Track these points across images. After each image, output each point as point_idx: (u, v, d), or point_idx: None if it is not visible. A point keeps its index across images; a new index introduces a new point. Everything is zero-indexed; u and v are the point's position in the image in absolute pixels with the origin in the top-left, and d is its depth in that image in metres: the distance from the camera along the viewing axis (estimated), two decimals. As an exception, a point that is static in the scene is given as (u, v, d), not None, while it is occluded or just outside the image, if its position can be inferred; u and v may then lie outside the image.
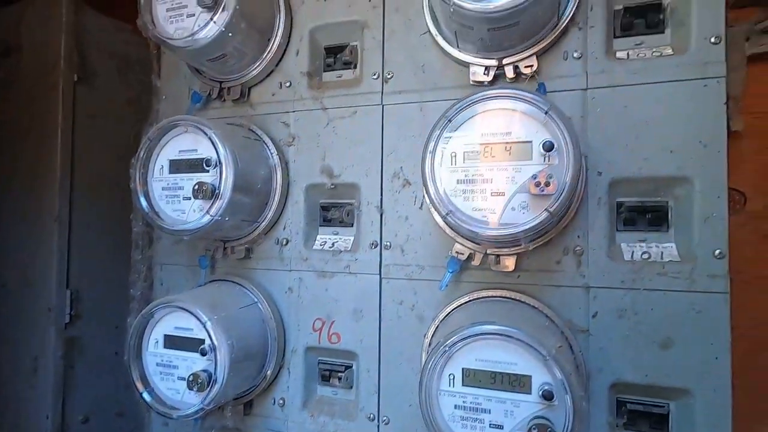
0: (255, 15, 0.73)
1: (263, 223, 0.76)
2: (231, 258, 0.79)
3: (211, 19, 0.67)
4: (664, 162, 0.59)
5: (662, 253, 0.60)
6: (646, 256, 0.59)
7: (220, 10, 0.68)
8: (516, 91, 0.53)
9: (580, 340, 0.61)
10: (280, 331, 0.76)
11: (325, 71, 0.79)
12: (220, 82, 0.81)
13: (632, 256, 0.60)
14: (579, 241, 0.61)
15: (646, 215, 0.61)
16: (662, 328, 0.58)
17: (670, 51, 0.60)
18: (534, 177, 0.52)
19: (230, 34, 0.69)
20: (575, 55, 0.63)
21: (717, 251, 0.57)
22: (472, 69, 0.65)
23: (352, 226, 0.76)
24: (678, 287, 0.58)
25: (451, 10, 0.56)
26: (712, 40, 0.58)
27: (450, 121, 0.55)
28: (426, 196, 0.58)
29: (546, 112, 0.52)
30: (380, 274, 0.71)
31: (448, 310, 0.65)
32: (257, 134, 0.78)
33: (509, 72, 0.63)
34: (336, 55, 0.78)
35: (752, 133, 0.74)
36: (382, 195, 0.72)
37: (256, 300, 0.76)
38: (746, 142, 0.74)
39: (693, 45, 0.59)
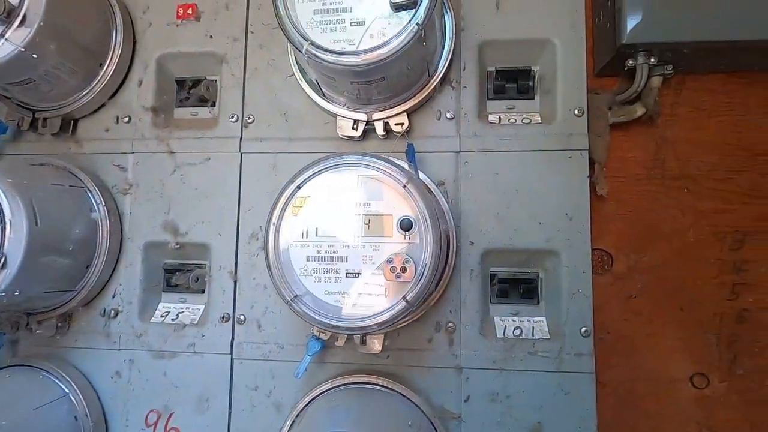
0: (77, 33, 0.56)
1: (83, 292, 0.58)
2: (38, 335, 0.59)
3: (2, 35, 0.49)
4: (533, 234, 0.55)
5: (533, 328, 0.55)
6: (518, 332, 0.55)
7: (16, 24, 0.49)
8: (374, 160, 0.45)
9: (453, 427, 0.54)
10: (101, 430, 0.58)
11: (177, 107, 0.65)
12: (33, 111, 0.62)
13: (504, 332, 0.55)
14: (451, 317, 0.55)
15: (519, 287, 0.57)
16: (533, 412, 0.53)
17: (539, 119, 0.57)
18: (389, 261, 0.43)
19: (34, 56, 0.52)
20: (448, 115, 0.57)
21: (583, 329, 0.54)
22: (340, 122, 0.55)
23: (203, 292, 0.61)
24: (547, 367, 0.54)
25: (306, 59, 0.47)
26: (576, 112, 0.56)
27: (299, 188, 0.45)
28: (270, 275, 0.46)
29: (404, 186, 0.43)
30: (232, 353, 0.58)
31: (307, 399, 0.54)
32: (79, 178, 0.60)
33: (379, 129, 0.55)
34: (190, 90, 0.64)
35: (616, 197, 0.77)
36: (237, 259, 0.59)
37: (66, 391, 0.56)
38: (611, 205, 0.76)
39: (559, 115, 0.56)
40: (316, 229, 0.46)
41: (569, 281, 0.55)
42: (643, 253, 0.77)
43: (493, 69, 0.60)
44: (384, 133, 0.57)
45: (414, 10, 0.45)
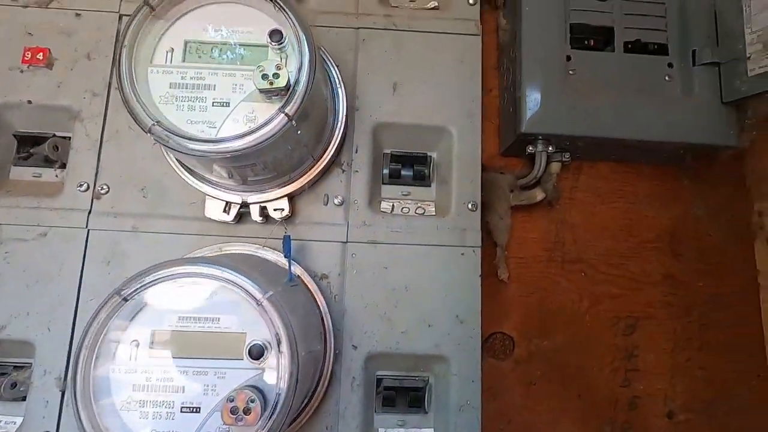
0: None
1: None
2: None
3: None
4: (422, 337, 0.48)
5: (419, 443, 0.54)
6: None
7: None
8: (219, 270, 0.34)
9: None
10: None
11: (15, 165, 0.52)
12: None
13: (388, 453, 0.50)
14: (328, 434, 0.46)
15: (406, 395, 0.49)
16: None
17: (433, 209, 0.51)
18: (230, 399, 0.33)
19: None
20: (336, 201, 0.49)
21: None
22: (209, 204, 0.46)
23: (23, 400, 0.46)
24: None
25: (152, 141, 0.37)
26: (470, 206, 0.50)
27: (126, 300, 0.34)
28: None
29: (259, 304, 0.34)
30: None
31: None
32: None
33: (255, 213, 0.46)
34: (33, 147, 0.51)
35: (517, 278, 0.75)
36: (69, 363, 0.46)
37: None
38: (514, 287, 0.75)
39: (453, 208, 0.51)
40: (149, 345, 0.37)
41: (458, 391, 0.47)
42: (543, 337, 0.75)
43: (388, 152, 0.56)
44: (261, 218, 0.50)
45: (285, 97, 0.38)
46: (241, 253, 0.45)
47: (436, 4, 0.56)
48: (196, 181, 0.46)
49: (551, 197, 0.69)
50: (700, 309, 0.73)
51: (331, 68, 0.48)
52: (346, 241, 0.48)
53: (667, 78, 0.65)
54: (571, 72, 0.64)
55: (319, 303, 0.45)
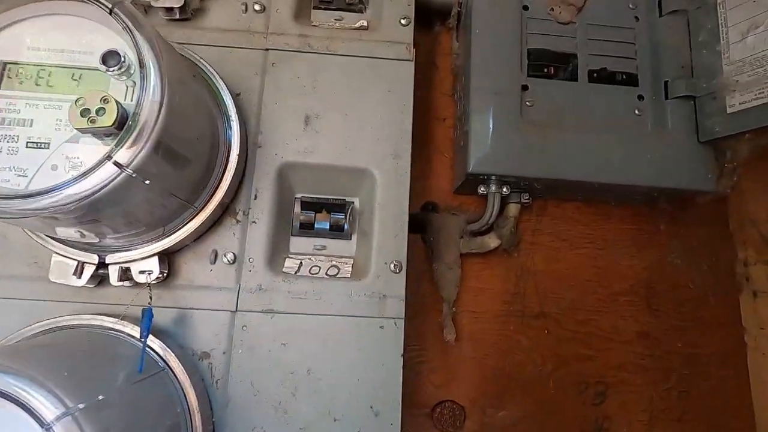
0: None
1: None
2: None
3: None
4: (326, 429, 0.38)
5: None
6: None
7: None
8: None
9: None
10: None
11: None
12: None
13: None
14: None
15: None
16: None
17: (349, 269, 0.42)
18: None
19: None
20: (227, 258, 0.39)
21: None
22: (55, 264, 0.36)
23: None
24: None
25: None
26: (392, 266, 0.41)
27: None
28: None
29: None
30: None
31: None
32: None
33: (114, 276, 0.36)
34: None
35: (470, 336, 0.66)
36: None
37: None
38: (465, 347, 0.65)
39: (373, 268, 0.41)
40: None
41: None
42: (500, 407, 0.65)
43: (300, 197, 0.47)
44: (127, 281, 0.41)
45: (115, 138, 0.27)
46: (78, 331, 0.35)
47: (365, 23, 0.47)
48: (39, 238, 0.36)
49: (508, 245, 0.59)
50: (679, 373, 0.63)
51: (224, 96, 0.39)
52: (236, 310, 0.39)
53: (636, 112, 0.57)
54: (527, 103, 0.56)
55: (189, 395, 0.35)
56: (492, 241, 0.59)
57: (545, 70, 0.57)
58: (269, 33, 0.44)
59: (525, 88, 0.56)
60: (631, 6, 0.59)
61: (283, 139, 0.42)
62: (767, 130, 0.46)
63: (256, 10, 0.45)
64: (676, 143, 0.53)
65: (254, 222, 0.41)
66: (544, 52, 0.57)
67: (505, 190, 0.56)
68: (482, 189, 0.57)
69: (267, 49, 0.44)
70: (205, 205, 0.38)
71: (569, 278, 0.64)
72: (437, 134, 0.67)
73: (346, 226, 0.42)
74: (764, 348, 0.63)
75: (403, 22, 0.46)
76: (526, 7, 0.58)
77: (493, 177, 0.55)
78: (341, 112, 0.43)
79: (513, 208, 0.60)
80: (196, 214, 0.38)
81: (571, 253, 0.65)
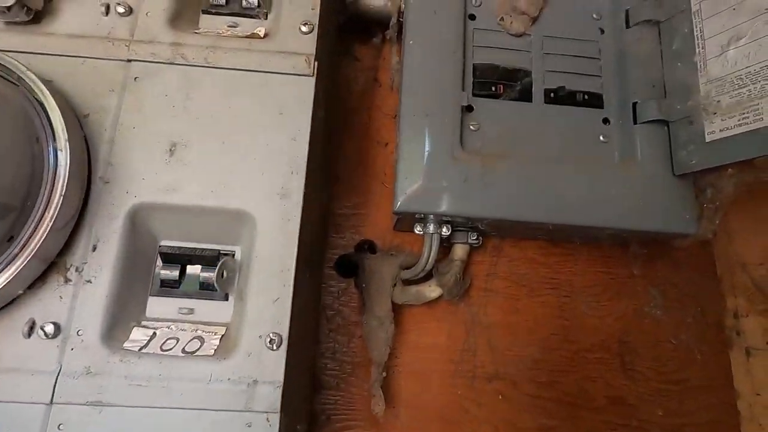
0: None
1: None
2: None
3: None
4: None
5: None
6: None
7: None
8: None
9: None
10: None
11: None
12: None
13: None
14: None
15: None
16: None
17: (216, 342, 0.32)
18: None
19: None
20: (46, 330, 0.29)
21: None
22: None
23: None
24: None
25: None
26: (267, 341, 0.30)
27: None
28: None
29: None
30: None
31: None
32: None
33: None
34: None
35: (408, 403, 0.55)
36: None
37: None
38: (404, 416, 0.54)
39: (242, 346, 0.31)
40: None
41: None
42: (441, 492, 0.54)
43: (164, 245, 0.38)
44: None
45: None
46: None
47: (263, 31, 0.39)
48: None
49: (451, 295, 0.50)
50: (660, 448, 0.53)
51: (51, 116, 0.30)
52: (51, 402, 0.29)
53: (601, 138, 0.48)
54: (472, 127, 0.47)
55: None
56: (431, 291, 0.49)
57: (493, 88, 0.48)
58: (134, 41, 0.36)
59: (469, 109, 0.47)
60: (594, 16, 0.51)
61: (140, 173, 0.33)
62: (753, 164, 0.38)
63: (119, 13, 0.36)
64: (647, 177, 0.44)
65: (89, 281, 0.31)
66: (493, 68, 0.48)
67: (445, 230, 0.46)
68: (418, 229, 0.47)
69: (129, 60, 0.35)
70: (14, 259, 0.29)
71: (529, 332, 0.54)
72: (378, 161, 0.58)
73: (218, 284, 0.33)
74: (760, 417, 0.53)
75: (303, 29, 0.37)
76: (472, 17, 0.50)
77: (431, 216, 0.45)
78: (218, 139, 0.34)
79: (459, 250, 0.51)
80: (4, 268, 0.29)
81: (531, 301, 0.55)
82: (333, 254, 0.55)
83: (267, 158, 0.34)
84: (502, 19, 0.50)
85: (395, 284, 0.49)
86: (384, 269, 0.49)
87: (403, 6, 0.50)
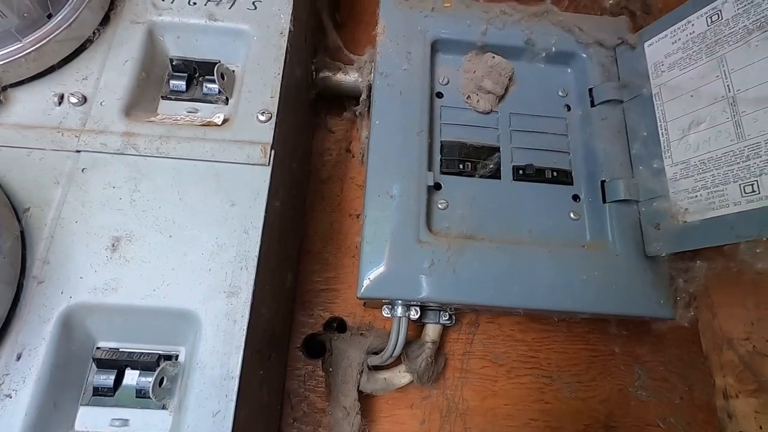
0: None
1: None
2: None
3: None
4: None
5: None
6: None
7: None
8: None
9: None
10: None
11: None
12: None
13: None
14: None
15: None
16: None
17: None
18: None
19: None
20: None
21: None
22: None
23: None
24: None
25: None
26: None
27: None
28: None
29: None
30: None
31: None
32: None
33: None
34: None
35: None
36: None
37: None
38: None
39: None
40: None
41: None
42: None
43: (102, 347, 0.35)
44: None
45: None
46: None
47: (221, 118, 0.38)
48: None
49: (422, 380, 0.46)
50: None
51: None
52: None
53: (572, 216, 0.47)
54: (440, 206, 0.46)
55: None
56: (401, 378, 0.46)
57: (462, 166, 0.47)
58: (85, 131, 0.35)
59: (437, 187, 0.46)
60: (560, 93, 0.52)
61: (77, 272, 0.31)
62: (722, 251, 0.36)
63: (72, 103, 0.35)
64: (619, 258, 0.42)
65: (9, 396, 0.28)
66: (461, 145, 0.48)
67: (413, 313, 0.44)
68: (386, 312, 0.45)
69: (78, 151, 0.34)
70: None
71: (508, 418, 0.51)
72: (350, 233, 0.57)
73: (152, 395, 0.30)
74: None
75: (261, 117, 0.36)
76: (439, 94, 0.50)
77: (398, 300, 0.43)
78: (164, 233, 0.33)
79: (431, 331, 0.48)
80: None
81: (510, 383, 0.52)
82: (301, 333, 0.52)
83: (215, 253, 0.32)
84: (468, 97, 0.50)
85: (362, 371, 0.46)
86: (351, 353, 0.46)
87: (372, 81, 0.51)
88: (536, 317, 0.53)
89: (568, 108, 0.51)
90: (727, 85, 0.38)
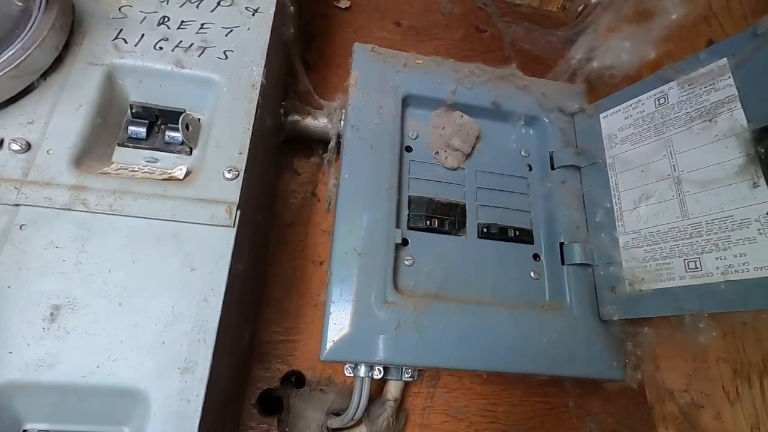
0: None
1: None
2: None
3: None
4: None
5: None
6: None
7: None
8: None
9: None
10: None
11: None
12: None
13: None
14: None
15: None
16: None
17: None
18: None
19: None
20: None
21: None
22: None
23: None
24: None
25: None
26: None
27: None
28: None
29: None
30: None
31: None
32: None
33: None
34: None
35: None
36: None
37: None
38: None
39: None
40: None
41: None
42: None
43: (26, 429, 0.31)
44: None
45: None
46: None
47: (183, 171, 0.36)
48: None
49: (383, 440, 0.45)
50: None
51: None
52: None
53: (532, 275, 0.48)
54: (407, 262, 0.45)
55: None
56: (361, 439, 0.45)
57: (428, 222, 0.48)
58: (27, 182, 0.32)
59: (404, 243, 0.46)
60: (523, 153, 0.54)
61: (7, 345, 0.28)
62: (669, 321, 0.39)
63: (14, 150, 0.32)
64: (575, 320, 0.44)
65: None
66: (428, 201, 0.48)
67: (377, 373, 0.43)
68: (348, 371, 0.44)
69: (17, 205, 0.31)
70: None
71: (468, 475, 0.50)
72: (313, 281, 0.55)
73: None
74: None
75: (227, 175, 0.35)
76: (408, 149, 0.51)
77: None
78: (113, 301, 0.30)
79: (393, 388, 0.47)
80: None
81: (469, 438, 0.51)
82: (256, 388, 0.49)
83: (170, 324, 0.30)
84: (437, 153, 0.51)
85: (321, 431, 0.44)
86: (310, 413, 0.44)
87: (342, 129, 0.50)
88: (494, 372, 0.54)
89: (530, 168, 0.53)
90: (673, 165, 0.41)
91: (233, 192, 0.34)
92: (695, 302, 0.37)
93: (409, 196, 0.48)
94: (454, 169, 0.51)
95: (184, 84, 0.38)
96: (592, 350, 0.43)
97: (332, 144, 0.53)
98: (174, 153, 0.37)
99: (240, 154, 0.36)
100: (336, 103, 0.54)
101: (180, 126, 0.36)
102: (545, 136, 0.53)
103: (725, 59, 0.39)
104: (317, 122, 0.54)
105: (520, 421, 0.53)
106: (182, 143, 0.37)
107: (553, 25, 0.75)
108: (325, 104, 0.56)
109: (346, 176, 0.45)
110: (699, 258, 0.37)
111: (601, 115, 0.49)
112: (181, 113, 0.36)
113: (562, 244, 0.47)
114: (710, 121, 0.39)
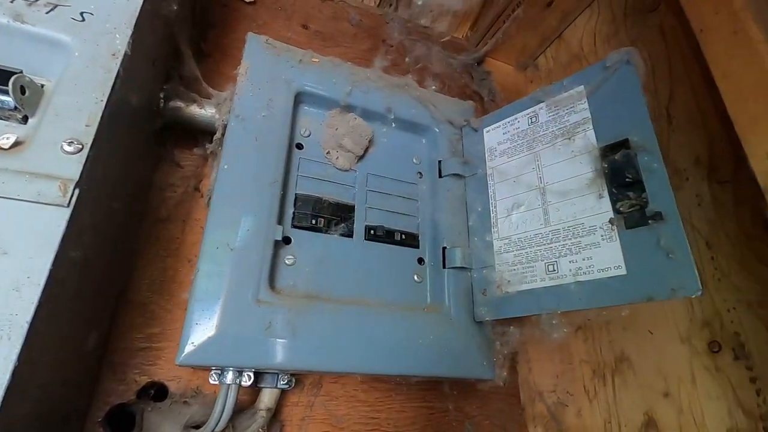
0: None
1: None
2: None
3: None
4: None
5: None
6: None
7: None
8: None
9: None
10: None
11: None
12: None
13: None
14: None
15: None
16: None
17: None
18: None
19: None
20: None
21: None
22: None
23: None
24: None
25: None
26: None
27: None
28: None
29: None
30: None
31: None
32: None
33: None
34: None
35: None
36: None
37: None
38: None
39: None
40: None
41: None
42: None
43: None
44: None
45: None
46: None
47: (15, 140, 0.30)
48: None
49: (250, 454, 0.42)
50: None
51: None
52: None
53: (416, 278, 0.48)
54: (287, 261, 0.43)
55: None
56: (224, 454, 0.41)
57: (314, 221, 0.46)
58: None
59: (287, 241, 0.44)
60: (414, 160, 0.55)
61: None
62: (532, 320, 0.41)
63: None
64: (452, 322, 0.45)
65: None
66: (316, 200, 0.47)
67: (246, 379, 0.40)
68: (213, 378, 0.40)
69: None
70: None
71: (345, 487, 0.48)
72: (186, 282, 0.49)
73: None
74: None
75: (67, 147, 0.30)
76: (299, 146, 0.49)
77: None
78: None
79: (267, 397, 0.44)
80: None
81: (349, 447, 0.50)
82: (105, 404, 0.43)
83: (-37, 318, 0.24)
84: (329, 152, 0.50)
85: (181, 451, 0.39)
86: (166, 428, 0.39)
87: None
88: (377, 377, 0.53)
89: (420, 175, 0.54)
90: (540, 177, 0.44)
91: (72, 168, 0.30)
92: (553, 302, 0.40)
93: (296, 193, 0.46)
94: (346, 170, 0.50)
95: (24, 42, 0.32)
96: (465, 351, 0.44)
97: (218, 135, 0.49)
98: (3, 119, 0.32)
99: (87, 126, 0.31)
100: (226, 94, 0.50)
101: (10, 88, 0.30)
102: (435, 145, 0.54)
103: (582, 86, 0.44)
104: (204, 111, 0.50)
105: (402, 428, 0.52)
106: (15, 109, 0.31)
107: (455, 50, 0.79)
108: (215, 94, 0.52)
109: (225, 167, 0.42)
110: (557, 261, 0.40)
111: (485, 130, 0.52)
112: (14, 74, 0.31)
113: (444, 248, 0.49)
114: (569, 139, 0.43)
